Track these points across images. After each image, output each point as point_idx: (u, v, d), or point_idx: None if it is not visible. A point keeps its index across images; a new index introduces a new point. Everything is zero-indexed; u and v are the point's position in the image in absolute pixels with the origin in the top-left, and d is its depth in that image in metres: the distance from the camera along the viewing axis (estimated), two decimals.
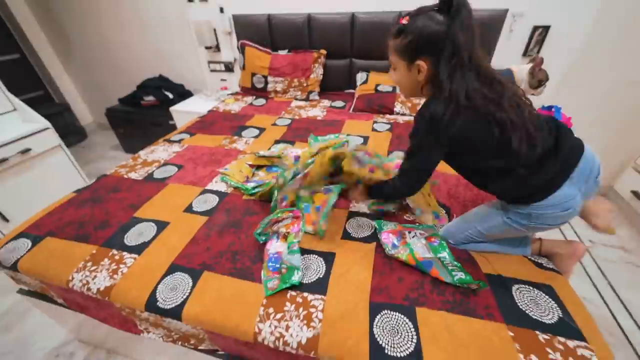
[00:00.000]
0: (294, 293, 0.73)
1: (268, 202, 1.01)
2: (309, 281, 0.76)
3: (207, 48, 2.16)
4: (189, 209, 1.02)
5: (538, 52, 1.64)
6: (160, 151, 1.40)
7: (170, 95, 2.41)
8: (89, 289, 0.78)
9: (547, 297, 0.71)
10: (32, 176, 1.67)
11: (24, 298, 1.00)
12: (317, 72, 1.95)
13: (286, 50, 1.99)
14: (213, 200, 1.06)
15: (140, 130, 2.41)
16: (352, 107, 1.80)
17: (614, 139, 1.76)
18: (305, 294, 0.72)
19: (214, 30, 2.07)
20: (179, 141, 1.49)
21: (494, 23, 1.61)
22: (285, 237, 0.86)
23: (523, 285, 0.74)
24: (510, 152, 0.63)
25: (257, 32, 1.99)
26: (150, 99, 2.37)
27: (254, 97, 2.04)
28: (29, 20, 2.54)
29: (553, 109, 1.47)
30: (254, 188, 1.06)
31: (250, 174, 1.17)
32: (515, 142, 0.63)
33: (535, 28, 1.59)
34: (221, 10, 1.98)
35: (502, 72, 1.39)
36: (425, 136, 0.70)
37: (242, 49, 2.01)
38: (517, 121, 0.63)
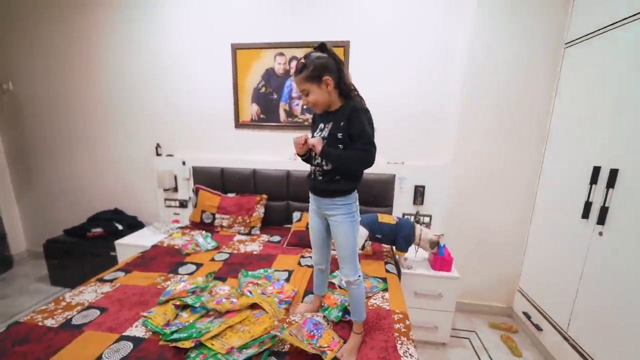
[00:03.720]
0: None
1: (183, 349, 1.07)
2: None
3: (165, 190, 2.51)
4: None
5: (421, 202, 2.22)
6: (88, 292, 1.45)
7: (120, 227, 2.55)
8: None
9: None
10: None
11: None
12: (259, 211, 2.32)
13: (234, 194, 2.40)
14: (126, 348, 1.09)
15: (77, 261, 2.38)
16: (287, 241, 2.10)
17: (496, 267, 2.19)
18: None
19: (175, 176, 2.49)
20: (112, 280, 1.56)
21: (389, 182, 2.23)
22: None
23: None
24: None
25: (211, 179, 2.43)
26: (98, 230, 2.47)
27: (201, 231, 2.27)
28: None
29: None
30: (172, 333, 1.14)
31: (172, 316, 1.25)
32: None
33: (416, 187, 2.22)
34: (183, 163, 2.46)
35: (405, 222, 1.87)
36: (370, 119, 1.05)
37: (196, 192, 2.39)
38: None
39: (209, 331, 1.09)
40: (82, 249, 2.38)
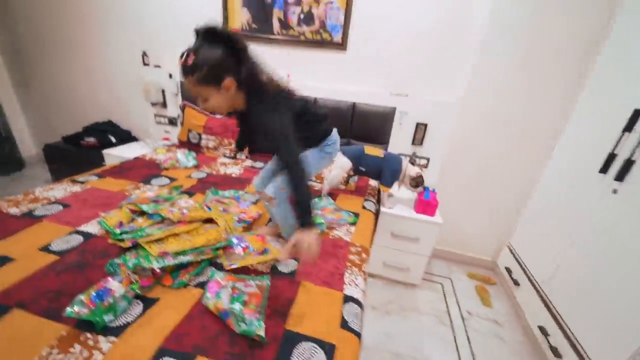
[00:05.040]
0: (89, 335, 0.76)
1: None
2: (113, 325, 0.80)
3: (153, 104, 2.40)
4: (45, 248, 1.06)
5: (421, 142, 1.99)
6: (58, 190, 1.47)
7: (114, 139, 2.55)
8: None
9: (324, 357, 0.78)
10: None
11: None
12: None
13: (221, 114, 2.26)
14: (76, 241, 1.11)
15: (73, 168, 2.44)
16: None
17: (491, 219, 2.04)
18: (99, 337, 0.76)
19: (163, 90, 2.35)
20: (84, 182, 1.57)
21: (388, 116, 1.98)
22: (129, 281, 0.92)
23: (310, 343, 0.81)
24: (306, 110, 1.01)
25: None
26: (91, 140, 2.49)
27: (185, 149, 2.21)
28: None
29: (425, 189, 1.74)
30: (121, 233, 1.13)
31: (127, 220, 1.24)
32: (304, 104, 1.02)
33: (418, 124, 1.96)
34: (170, 76, 2.29)
35: (393, 155, 1.69)
36: (282, 122, 0.89)
37: (182, 109, 2.27)
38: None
39: (152, 235, 1.07)
40: (77, 156, 2.44)
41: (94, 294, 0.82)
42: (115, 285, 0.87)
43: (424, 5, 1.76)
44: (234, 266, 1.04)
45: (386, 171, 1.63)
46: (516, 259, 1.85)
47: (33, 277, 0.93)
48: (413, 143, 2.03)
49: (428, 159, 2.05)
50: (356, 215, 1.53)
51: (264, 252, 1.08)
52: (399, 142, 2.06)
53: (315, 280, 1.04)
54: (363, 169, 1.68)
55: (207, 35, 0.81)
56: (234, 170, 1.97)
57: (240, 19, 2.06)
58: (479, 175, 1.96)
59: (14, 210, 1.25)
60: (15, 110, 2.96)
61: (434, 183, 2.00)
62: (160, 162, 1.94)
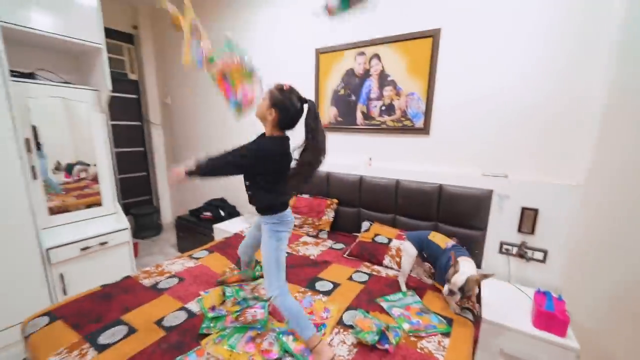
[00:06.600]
0: None
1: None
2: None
3: None
4: (159, 322, 1.24)
5: (531, 231, 1.64)
6: (178, 263, 1.78)
7: (223, 213, 3.06)
8: None
9: None
10: (100, 261, 2.22)
11: None
12: (329, 215, 2.30)
13: (308, 195, 2.47)
14: (181, 318, 1.27)
15: (193, 236, 3.01)
16: (348, 251, 1.98)
17: None
18: None
19: None
20: (197, 258, 1.86)
21: (483, 200, 1.77)
22: None
23: None
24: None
25: None
26: (207, 214, 3.05)
27: None
28: (160, 150, 3.90)
29: (546, 295, 1.36)
30: (212, 319, 1.25)
31: (218, 302, 1.37)
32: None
33: (524, 209, 1.66)
34: None
35: (457, 249, 1.42)
36: (254, 150, 1.22)
37: None
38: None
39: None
40: (197, 227, 2.99)
41: None
42: None
43: (524, 81, 1.63)
44: None
45: (438, 266, 1.37)
46: None
47: (144, 351, 1.08)
48: (520, 230, 1.70)
49: (545, 252, 1.64)
50: (449, 322, 1.28)
51: None
52: (501, 228, 1.76)
53: None
54: (425, 255, 1.47)
55: (301, 100, 1.22)
56: (313, 251, 2.01)
57: (328, 114, 2.37)
58: (634, 272, 1.42)
59: (146, 282, 1.56)
60: (165, 190, 3.99)
61: (558, 286, 1.55)
62: None
